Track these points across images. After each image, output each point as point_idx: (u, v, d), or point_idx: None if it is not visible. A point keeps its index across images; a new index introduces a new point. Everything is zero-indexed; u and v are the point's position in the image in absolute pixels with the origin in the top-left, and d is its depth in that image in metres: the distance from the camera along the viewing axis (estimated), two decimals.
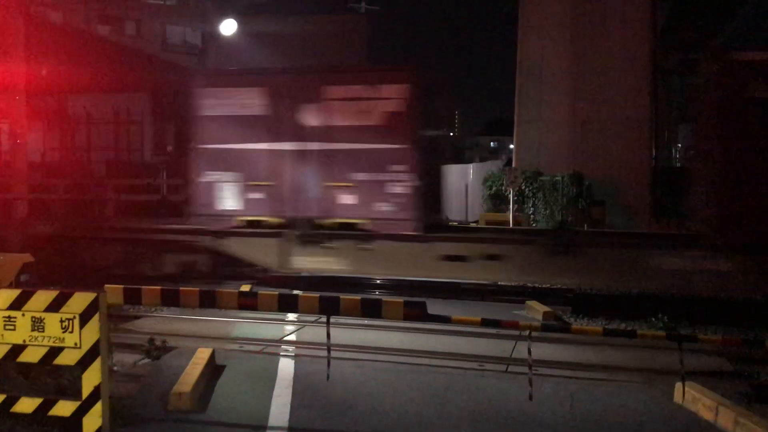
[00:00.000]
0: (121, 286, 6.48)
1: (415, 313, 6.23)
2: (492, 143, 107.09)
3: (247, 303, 6.43)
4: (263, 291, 6.65)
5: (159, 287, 6.59)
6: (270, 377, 7.37)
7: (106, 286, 6.48)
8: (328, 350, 6.70)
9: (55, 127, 25.64)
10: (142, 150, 27.67)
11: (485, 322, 6.75)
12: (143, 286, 6.50)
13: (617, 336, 7.76)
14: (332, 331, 9.43)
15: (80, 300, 4.72)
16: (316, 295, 6.52)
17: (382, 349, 8.62)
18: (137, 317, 10.62)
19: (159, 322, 10.22)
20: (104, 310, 4.82)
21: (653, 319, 10.55)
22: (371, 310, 6.28)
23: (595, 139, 18.44)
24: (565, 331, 7.83)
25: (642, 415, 6.36)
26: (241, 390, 6.94)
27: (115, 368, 7.74)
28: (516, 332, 9.50)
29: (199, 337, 9.26)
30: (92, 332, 4.74)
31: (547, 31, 18.54)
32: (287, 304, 6.51)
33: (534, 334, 9.57)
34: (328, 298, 6.43)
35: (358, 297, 6.53)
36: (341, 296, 6.50)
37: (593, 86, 18.49)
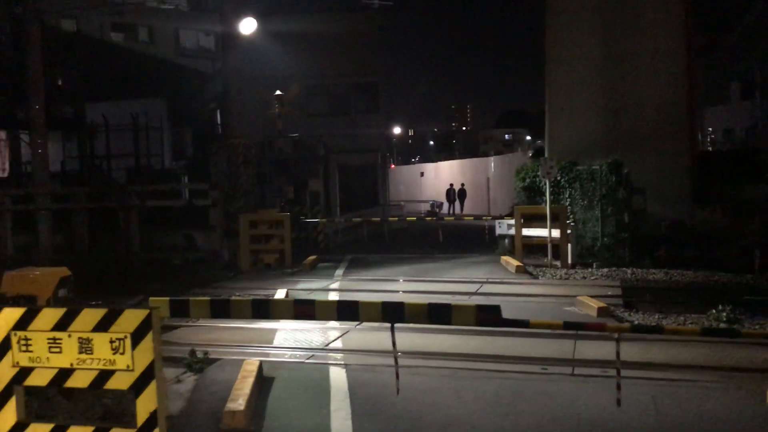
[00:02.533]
0: (167, 298, 6.05)
1: (490, 318, 5.74)
2: (506, 136, 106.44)
3: (304, 311, 5.96)
4: (320, 299, 6.16)
5: (208, 298, 6.15)
6: (323, 389, 6.91)
7: (151, 299, 6.06)
8: (396, 361, 6.23)
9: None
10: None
11: (567, 326, 6.24)
12: (191, 298, 6.06)
13: (717, 335, 7.21)
14: (376, 335, 9.06)
15: (131, 318, 4.29)
16: (379, 301, 6.04)
17: (434, 354, 8.14)
18: (174, 327, 10.21)
19: (196, 331, 9.81)
20: (158, 327, 4.38)
21: (714, 311, 10.00)
22: (440, 315, 5.79)
23: (630, 125, 17.82)
24: (658, 332, 7.25)
25: (734, 420, 5.81)
26: (296, 404, 6.48)
27: None
28: (573, 331, 9.05)
29: (240, 345, 8.84)
30: (146, 353, 4.29)
31: (577, 15, 17.93)
32: (347, 312, 6.04)
33: (586, 332, 9.12)
34: (392, 304, 5.95)
35: (425, 302, 6.04)
36: (406, 302, 6.02)
37: (626, 71, 17.87)
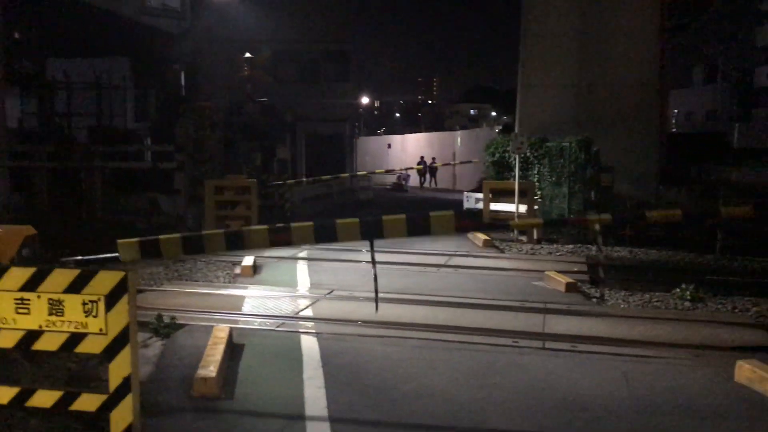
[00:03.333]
0: (136, 239, 5.88)
1: (472, 224, 5.66)
2: (472, 111, 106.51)
3: (281, 239, 5.80)
4: (295, 224, 6.02)
5: (179, 234, 5.99)
6: (295, 357, 6.82)
7: (119, 242, 5.87)
8: (375, 278, 6.09)
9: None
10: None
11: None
12: (161, 236, 5.88)
13: None
14: (347, 305, 8.99)
15: (106, 279, 4.13)
16: (356, 220, 5.91)
17: (406, 325, 8.10)
18: (140, 291, 9.98)
19: (163, 296, 9.61)
20: (134, 290, 4.23)
21: (678, 289, 10.16)
22: (419, 226, 5.70)
23: (601, 103, 17.92)
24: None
25: (705, 395, 5.91)
26: (268, 372, 6.39)
27: None
28: (542, 305, 9.12)
29: (208, 311, 8.67)
30: (120, 316, 4.14)
31: None
32: (325, 234, 5.89)
33: (554, 306, 9.21)
34: (370, 222, 5.83)
35: (401, 216, 5.92)
36: (384, 217, 5.90)
37: (600, 48, 17.91)
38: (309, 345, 7.26)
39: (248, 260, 11.51)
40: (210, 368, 5.87)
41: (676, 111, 36.86)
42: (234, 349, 7.02)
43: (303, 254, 13.34)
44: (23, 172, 17.57)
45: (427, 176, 36.52)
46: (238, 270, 11.28)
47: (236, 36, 24.48)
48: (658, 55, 17.68)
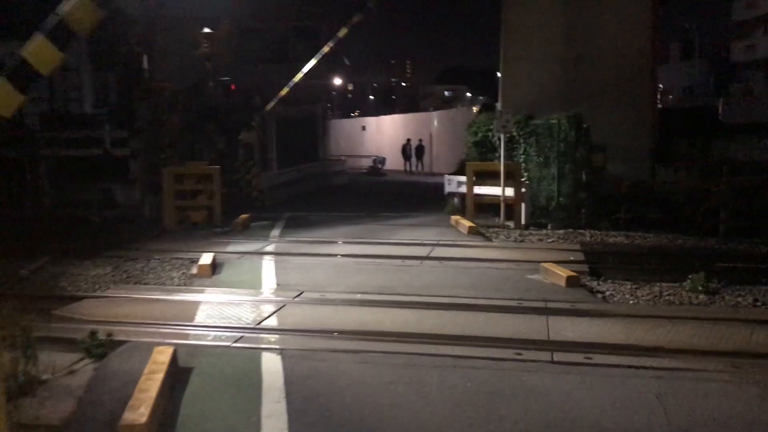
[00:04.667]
0: None
1: None
2: (447, 92, 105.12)
3: None
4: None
5: None
6: (253, 384, 5.55)
7: None
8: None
9: None
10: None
11: None
12: None
13: None
14: (317, 311, 7.71)
15: None
16: None
17: (387, 335, 6.87)
18: (78, 298, 8.65)
19: (103, 304, 8.27)
20: None
21: (688, 279, 9.06)
22: None
23: (591, 77, 16.76)
24: None
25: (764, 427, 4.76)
26: (217, 409, 5.11)
27: (44, 377, 5.84)
28: (542, 303, 7.96)
29: (155, 323, 7.36)
30: None
31: None
32: None
33: (557, 305, 8.05)
34: None
35: None
36: None
37: (589, 16, 16.69)
38: (271, 366, 5.98)
39: (206, 258, 10.19)
40: (140, 410, 4.58)
41: (661, 86, 35.91)
42: (179, 376, 5.73)
43: (270, 248, 12.03)
44: None
45: (413, 159, 34.86)
46: (195, 270, 9.95)
47: (196, 13, 22.79)
48: (650, 22, 16.52)
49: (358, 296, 8.43)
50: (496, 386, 5.48)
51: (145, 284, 9.43)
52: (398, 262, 10.64)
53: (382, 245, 12.09)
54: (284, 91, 18.99)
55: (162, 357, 5.67)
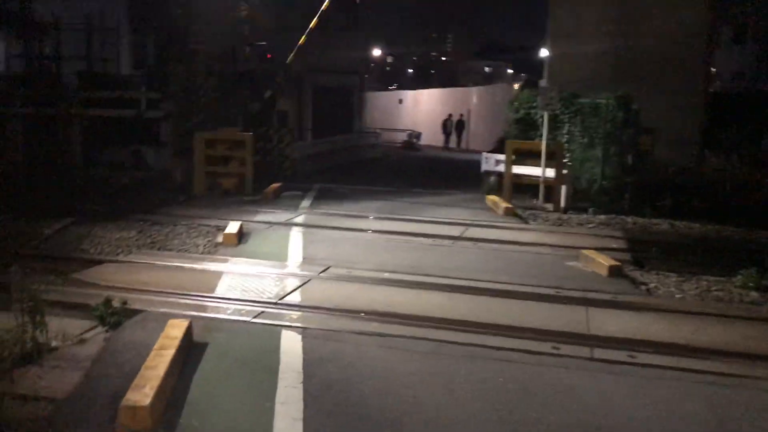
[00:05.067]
0: None
1: None
2: (487, 68, 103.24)
3: None
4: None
5: None
6: (270, 366, 5.20)
7: None
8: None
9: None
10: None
11: None
12: None
13: None
14: (343, 288, 7.31)
15: None
16: None
17: (416, 319, 6.46)
18: (98, 262, 8.40)
19: (123, 270, 8.00)
20: None
21: (739, 275, 8.48)
22: None
23: (641, 57, 15.95)
24: None
25: None
26: (229, 392, 4.77)
27: (53, 344, 5.58)
28: (581, 293, 7.48)
29: (173, 292, 7.06)
30: None
31: None
32: None
33: (597, 296, 7.56)
34: None
35: None
36: None
37: None
38: (290, 346, 5.63)
39: (233, 227, 9.86)
40: (144, 389, 4.26)
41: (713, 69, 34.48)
42: (192, 351, 5.41)
43: (299, 219, 11.69)
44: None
45: (453, 135, 34.04)
46: (220, 238, 9.64)
47: None
48: (706, 3, 15.61)
49: (386, 275, 8.03)
50: (530, 383, 5.05)
51: (169, 251, 9.15)
52: (429, 241, 10.21)
53: (413, 222, 11.65)
54: (302, 40, 18.53)
55: (175, 331, 5.35)
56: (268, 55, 19.30)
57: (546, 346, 5.85)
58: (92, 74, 22.25)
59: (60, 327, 5.93)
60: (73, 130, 15.20)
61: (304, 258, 8.79)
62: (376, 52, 44.49)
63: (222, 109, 16.89)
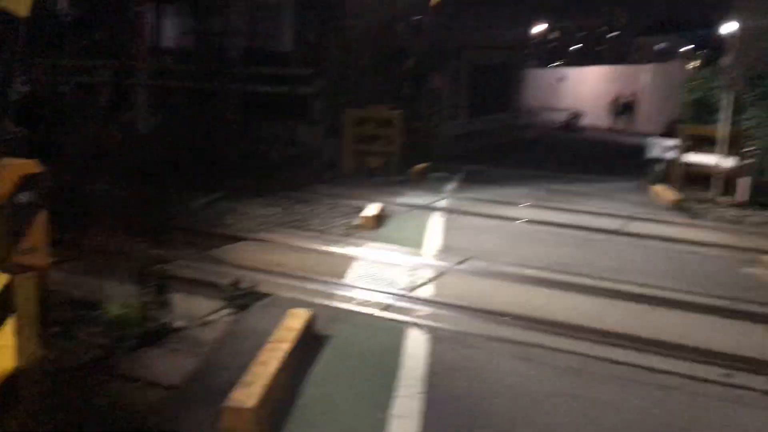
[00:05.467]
0: None
1: None
2: (661, 45, 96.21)
3: None
4: None
5: None
6: (390, 369, 4.76)
7: None
8: None
9: None
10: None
11: None
12: None
13: None
14: (483, 284, 6.69)
15: None
16: None
17: (559, 326, 5.74)
18: (237, 239, 8.39)
19: (258, 250, 7.90)
20: None
21: None
22: None
23: None
24: None
25: None
26: (343, 395, 4.39)
27: (177, 325, 5.49)
28: (759, 308, 6.36)
29: (303, 276, 6.83)
30: None
31: None
32: None
33: None
34: None
35: None
36: None
37: None
38: (415, 348, 5.16)
39: (372, 209, 9.53)
40: (251, 388, 3.96)
41: None
42: (312, 344, 5.10)
43: (442, 203, 11.17)
44: (165, 92, 16.78)
45: (622, 116, 31.80)
46: (358, 220, 9.35)
47: None
48: None
49: (530, 271, 7.32)
50: (692, 419, 4.22)
51: (307, 230, 8.99)
52: (583, 234, 9.30)
53: (566, 212, 10.73)
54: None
55: (294, 322, 5.05)
56: (423, 32, 18.81)
57: (714, 372, 4.95)
58: (254, 50, 23.03)
59: (188, 306, 5.87)
60: (231, 105, 15.63)
61: (442, 246, 8.26)
62: (539, 28, 42.57)
63: (374, 86, 16.68)
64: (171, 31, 23.77)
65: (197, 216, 9.72)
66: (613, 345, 5.39)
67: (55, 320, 5.46)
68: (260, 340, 4.96)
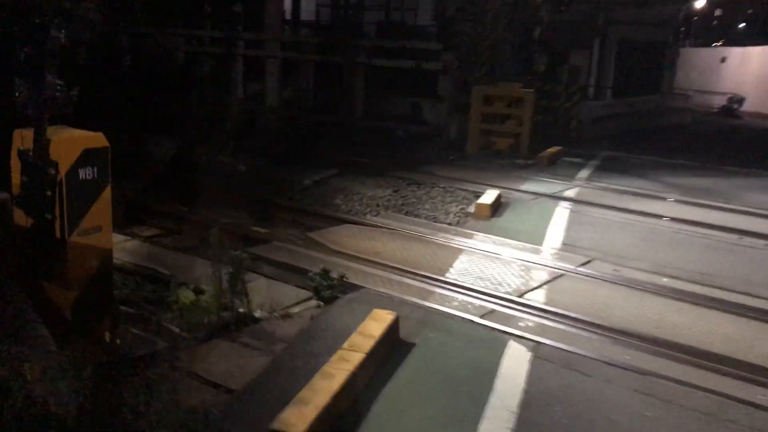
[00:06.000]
0: None
1: None
2: None
3: None
4: None
5: None
6: (479, 391, 4.05)
7: None
8: None
9: None
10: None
11: None
12: None
13: None
14: (604, 290, 5.73)
15: None
16: None
17: (696, 354, 4.75)
18: (341, 221, 7.92)
19: (362, 234, 7.37)
20: None
21: None
22: None
23: None
24: None
25: None
26: (416, 422, 3.74)
27: (258, 315, 5.06)
28: None
29: (400, 268, 6.22)
30: None
31: None
32: None
33: None
34: None
35: None
36: None
37: None
38: (513, 367, 4.40)
39: (488, 196, 8.72)
40: (305, 409, 3.40)
41: None
42: (394, 352, 4.49)
43: (571, 192, 10.11)
44: (295, 65, 16.69)
45: None
46: (472, 208, 8.58)
47: None
48: None
49: (665, 280, 6.28)
50: None
51: (415, 216, 8.37)
52: (734, 238, 7.99)
53: (716, 210, 9.36)
54: None
55: (375, 327, 4.45)
56: (562, 7, 17.42)
57: None
58: (388, 24, 22.55)
59: (273, 293, 5.47)
60: (357, 79, 15.25)
61: (563, 244, 7.34)
62: (700, 3, 39.01)
63: (507, 63, 15.66)
64: (306, 4, 23.82)
65: (307, 194, 9.38)
66: (765, 386, 4.35)
67: (132, 300, 5.26)
68: (337, 342, 4.42)
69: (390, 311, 4.72)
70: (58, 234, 3.95)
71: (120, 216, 8.09)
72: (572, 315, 5.29)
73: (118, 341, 4.44)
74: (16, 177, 4.02)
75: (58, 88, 3.68)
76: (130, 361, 4.15)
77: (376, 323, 4.50)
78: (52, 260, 4.03)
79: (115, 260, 5.97)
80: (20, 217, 4.06)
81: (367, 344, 4.19)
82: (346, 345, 4.17)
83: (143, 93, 11.87)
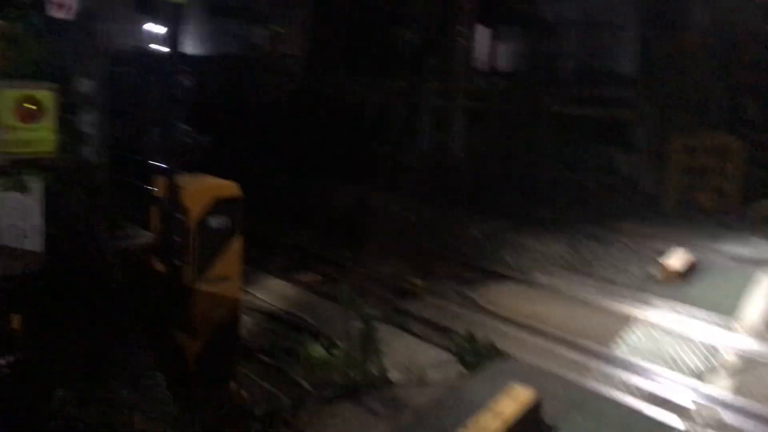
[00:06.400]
0: None
1: None
2: None
3: None
4: None
5: None
6: None
7: None
8: None
9: None
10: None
11: None
12: None
13: None
14: None
15: None
16: None
17: None
18: (504, 278, 7.39)
19: (524, 294, 6.79)
20: None
21: None
22: None
23: None
24: None
25: None
26: None
27: (391, 376, 4.73)
28: None
29: (560, 339, 5.57)
30: None
31: None
32: None
33: None
34: None
35: None
36: None
37: None
38: None
39: (679, 259, 7.67)
40: None
41: None
42: None
43: None
44: (480, 115, 16.45)
45: None
46: (657, 270, 7.60)
47: None
48: None
49: None
50: None
51: (588, 276, 7.59)
52: None
53: None
54: None
55: (510, 406, 3.91)
56: None
57: None
58: (582, 71, 21.60)
59: (414, 353, 5.13)
60: (540, 126, 14.65)
61: (765, 322, 6.18)
62: None
63: (711, 109, 14.16)
64: (493, 53, 23.67)
65: (476, 246, 8.95)
66: None
67: (272, 349, 5.19)
68: (461, 420, 3.95)
69: (530, 389, 4.15)
70: (186, 281, 3.96)
71: (286, 261, 8.36)
72: (765, 413, 4.32)
73: (244, 394, 4.35)
74: (155, 224, 4.11)
75: (188, 135, 3.71)
76: (248, 418, 4.01)
77: (511, 403, 3.96)
78: (181, 307, 4.04)
79: (270, 306, 6.04)
80: (156, 263, 4.14)
81: (494, 425, 3.67)
82: (470, 424, 3.69)
83: (336, 142, 12.32)
